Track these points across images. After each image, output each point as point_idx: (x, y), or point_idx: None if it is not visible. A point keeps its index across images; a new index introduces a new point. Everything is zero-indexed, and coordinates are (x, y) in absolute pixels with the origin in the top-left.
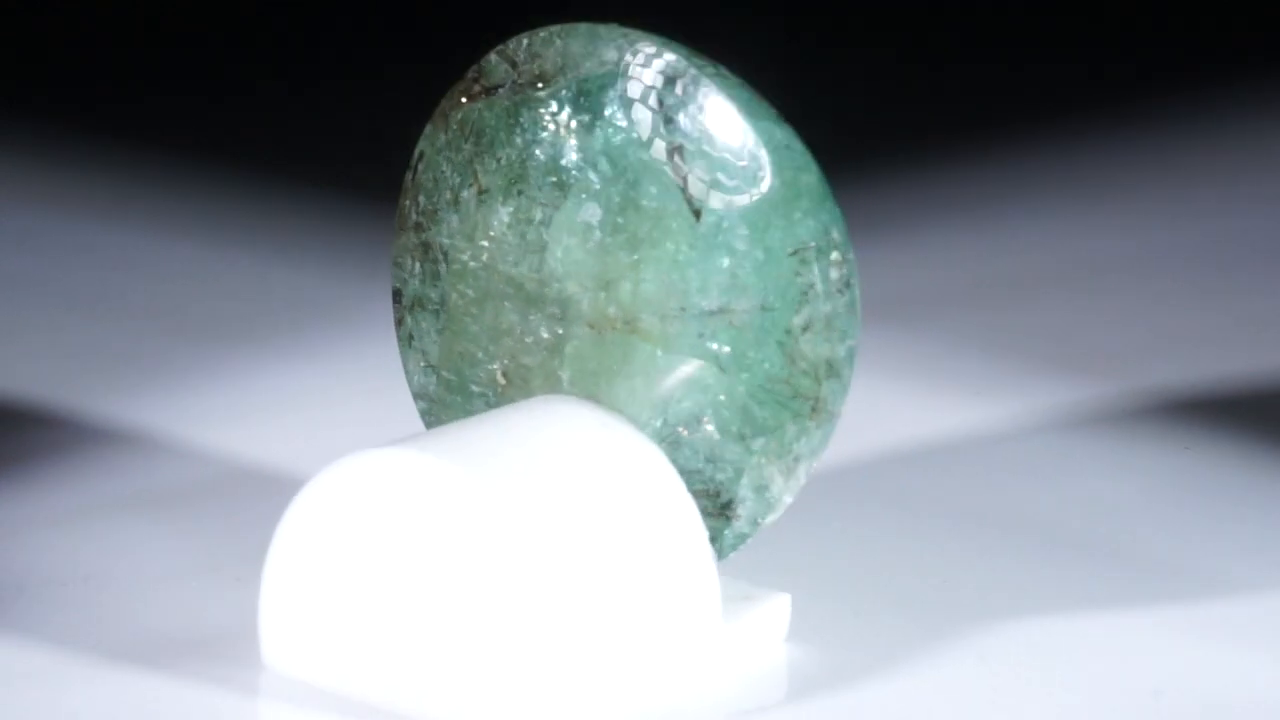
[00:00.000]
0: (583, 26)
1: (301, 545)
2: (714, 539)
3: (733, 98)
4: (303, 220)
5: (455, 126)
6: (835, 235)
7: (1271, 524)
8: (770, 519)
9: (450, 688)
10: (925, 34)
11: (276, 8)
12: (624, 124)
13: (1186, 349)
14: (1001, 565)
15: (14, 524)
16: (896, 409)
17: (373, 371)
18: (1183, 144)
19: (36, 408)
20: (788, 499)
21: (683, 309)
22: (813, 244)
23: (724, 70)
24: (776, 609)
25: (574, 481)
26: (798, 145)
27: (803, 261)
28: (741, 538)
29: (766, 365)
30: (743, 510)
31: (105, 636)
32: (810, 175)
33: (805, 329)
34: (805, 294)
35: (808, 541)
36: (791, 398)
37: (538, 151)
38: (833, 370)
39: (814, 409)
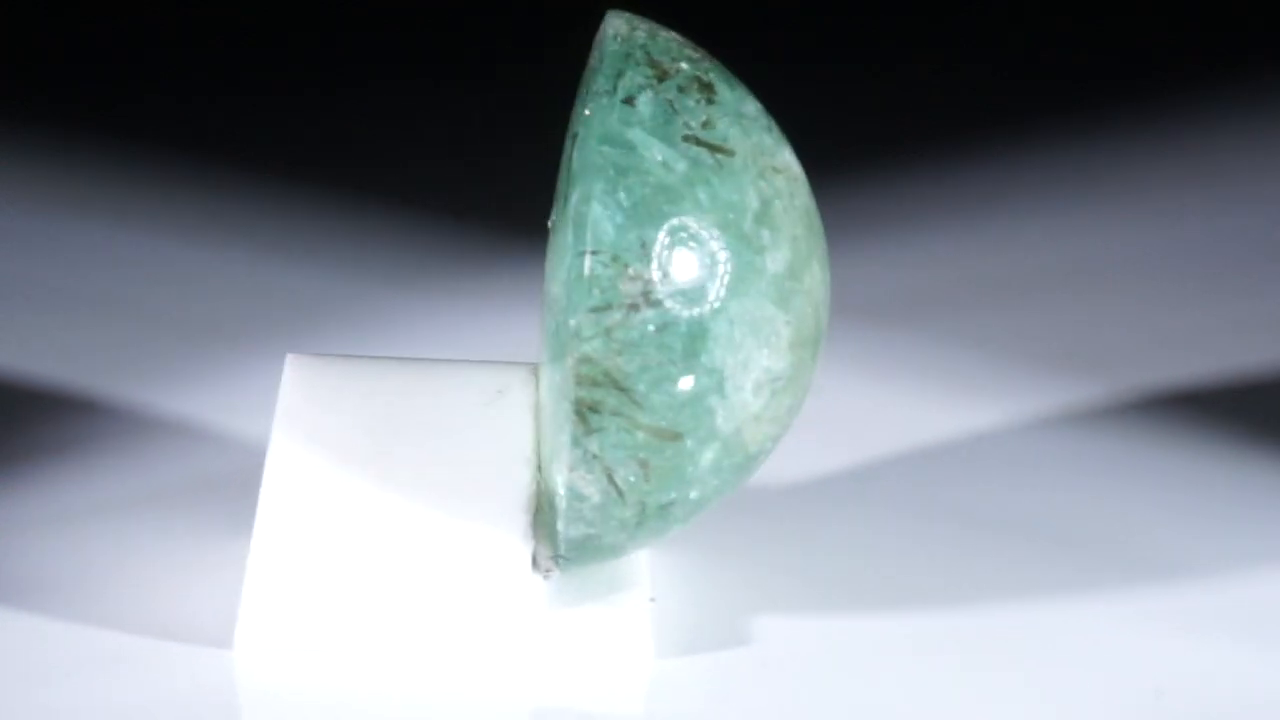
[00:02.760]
0: None
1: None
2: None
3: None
4: (303, 220)
5: None
6: (649, 250)
7: (1271, 523)
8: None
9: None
10: (924, 34)
11: (277, 8)
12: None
13: (1186, 349)
14: (1001, 565)
15: (14, 524)
16: (896, 409)
17: None
18: (1182, 144)
19: (37, 408)
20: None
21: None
22: (602, 251)
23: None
24: (637, 619)
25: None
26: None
27: (599, 262)
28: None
29: (562, 363)
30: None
31: (106, 635)
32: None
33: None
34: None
35: (809, 540)
36: (573, 399)
37: None
38: (614, 380)
39: (593, 409)
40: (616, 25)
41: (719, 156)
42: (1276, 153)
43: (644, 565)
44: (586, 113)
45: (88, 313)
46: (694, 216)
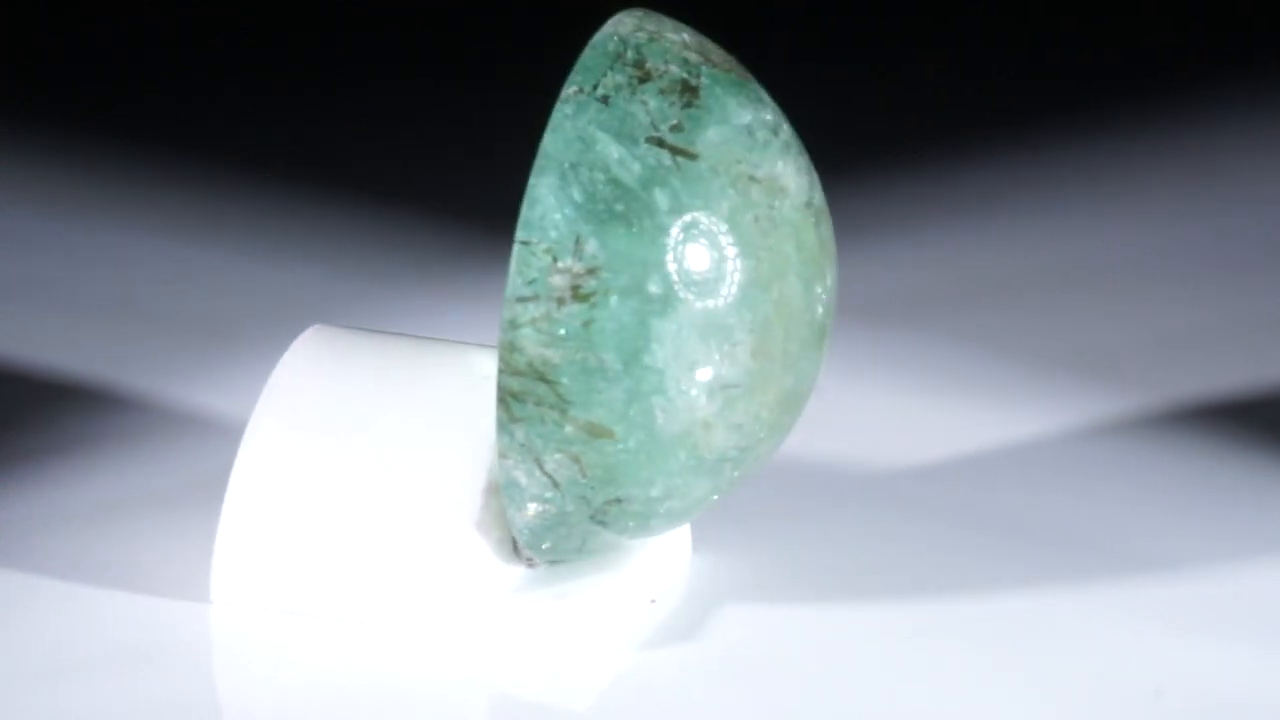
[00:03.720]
0: None
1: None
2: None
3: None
4: (303, 220)
5: None
6: (586, 246)
7: (1272, 522)
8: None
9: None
10: (923, 34)
11: (277, 8)
12: None
13: (1186, 349)
14: (1000, 564)
15: (14, 524)
16: (895, 409)
17: None
18: (1182, 144)
19: (37, 408)
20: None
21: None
22: (534, 242)
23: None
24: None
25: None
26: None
27: (530, 253)
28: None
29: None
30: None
31: (105, 636)
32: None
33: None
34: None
35: (808, 539)
36: (500, 386)
37: None
38: (539, 371)
39: (517, 397)
40: (622, 24)
41: (680, 159)
42: (1276, 153)
43: (644, 565)
44: (559, 106)
45: (88, 312)
46: (645, 217)
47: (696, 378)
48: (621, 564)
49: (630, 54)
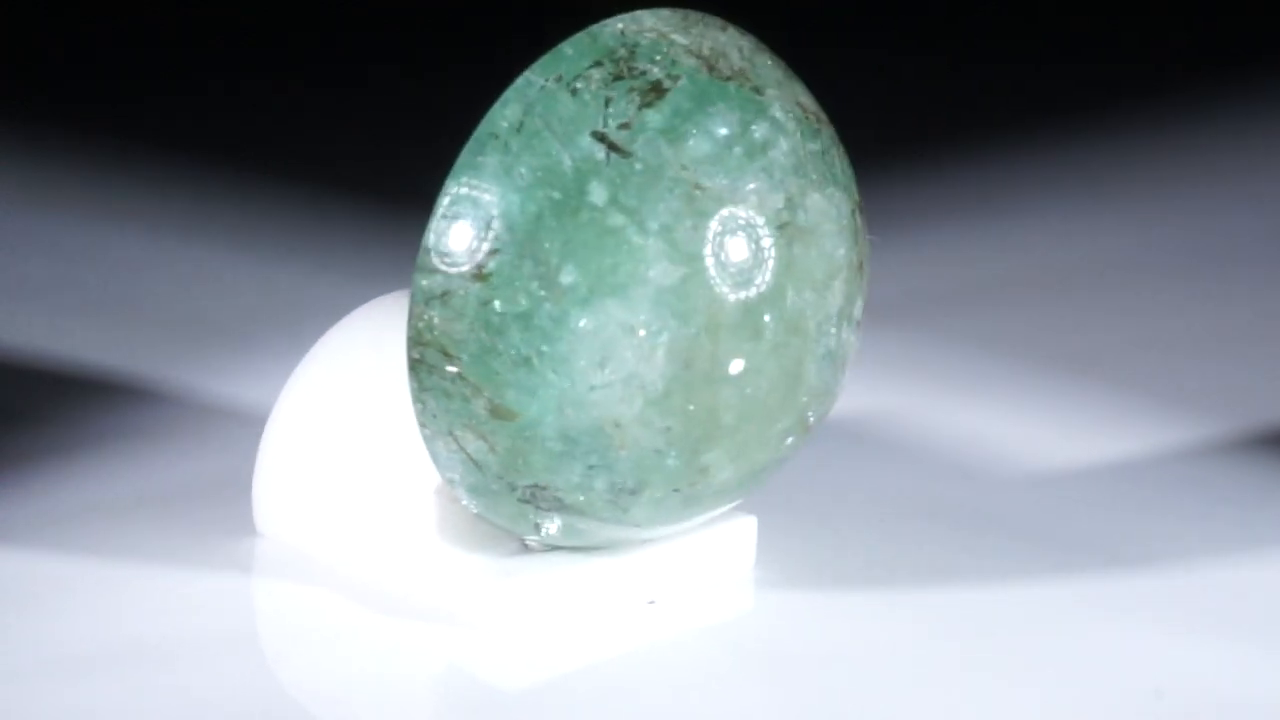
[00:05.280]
0: None
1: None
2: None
3: None
4: (303, 220)
5: None
6: (494, 227)
7: (1273, 522)
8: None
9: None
10: (923, 35)
11: (277, 8)
12: None
13: (1186, 349)
14: (999, 564)
15: (14, 524)
16: (895, 409)
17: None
18: (1182, 144)
19: (37, 407)
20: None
21: None
22: (452, 218)
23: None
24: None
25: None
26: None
27: (449, 225)
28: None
29: None
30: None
31: (106, 636)
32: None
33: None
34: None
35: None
36: (408, 354)
37: None
38: (442, 345)
39: (425, 367)
40: (636, 21)
41: (614, 156)
42: (1277, 153)
43: (644, 563)
44: (524, 84)
45: (88, 312)
46: (577, 209)
47: (609, 375)
48: (620, 563)
49: (621, 50)
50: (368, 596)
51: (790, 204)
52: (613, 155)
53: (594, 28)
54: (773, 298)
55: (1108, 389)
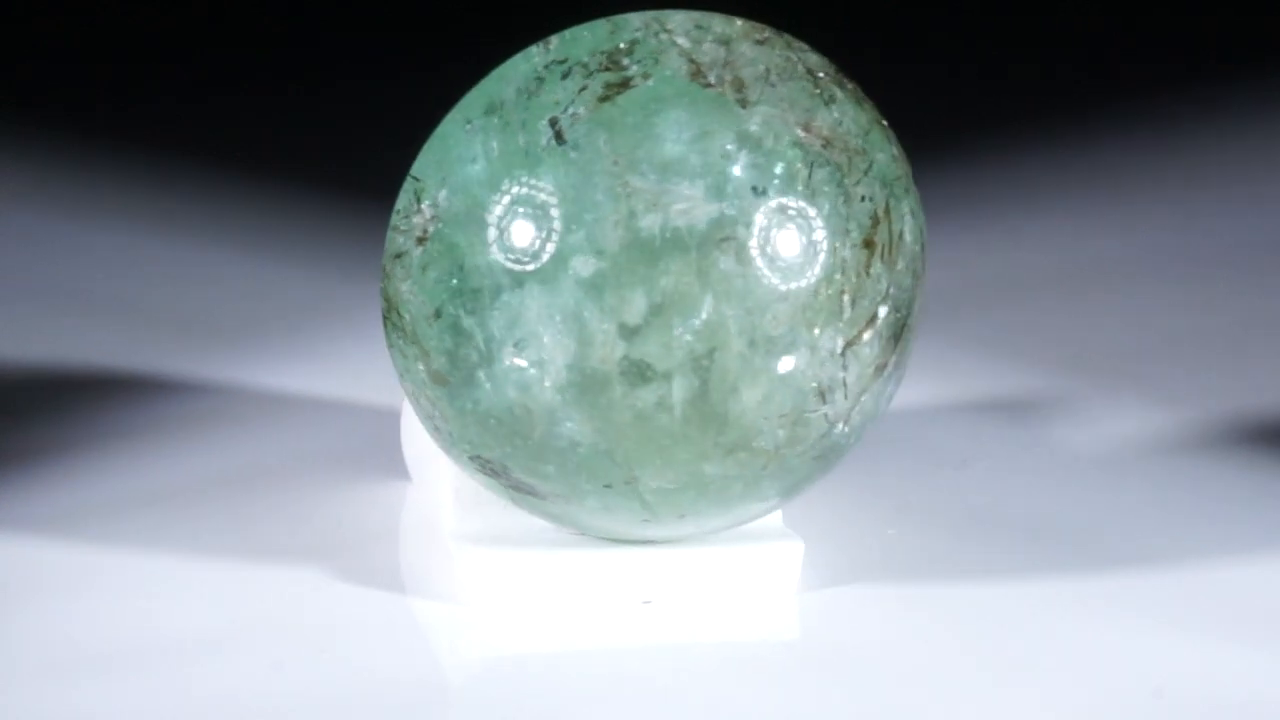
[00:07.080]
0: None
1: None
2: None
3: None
4: (303, 220)
5: None
6: (439, 195)
7: (1273, 522)
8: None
9: None
10: (923, 35)
11: (277, 8)
12: None
13: (1187, 349)
14: (999, 563)
15: (14, 524)
16: (895, 409)
17: (372, 370)
18: (1185, 144)
19: (36, 408)
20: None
21: None
22: (417, 179)
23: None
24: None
25: None
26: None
27: (411, 187)
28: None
29: None
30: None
31: (105, 636)
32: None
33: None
34: None
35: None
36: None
37: None
38: (393, 302)
39: (389, 319)
40: (659, 19)
41: (553, 144)
42: (1277, 152)
43: (644, 562)
44: (520, 60)
45: (88, 312)
46: (521, 187)
47: (531, 356)
48: (616, 563)
49: (624, 45)
50: (374, 585)
51: (729, 220)
52: (554, 142)
53: (617, 17)
54: (698, 315)
55: (1109, 389)
